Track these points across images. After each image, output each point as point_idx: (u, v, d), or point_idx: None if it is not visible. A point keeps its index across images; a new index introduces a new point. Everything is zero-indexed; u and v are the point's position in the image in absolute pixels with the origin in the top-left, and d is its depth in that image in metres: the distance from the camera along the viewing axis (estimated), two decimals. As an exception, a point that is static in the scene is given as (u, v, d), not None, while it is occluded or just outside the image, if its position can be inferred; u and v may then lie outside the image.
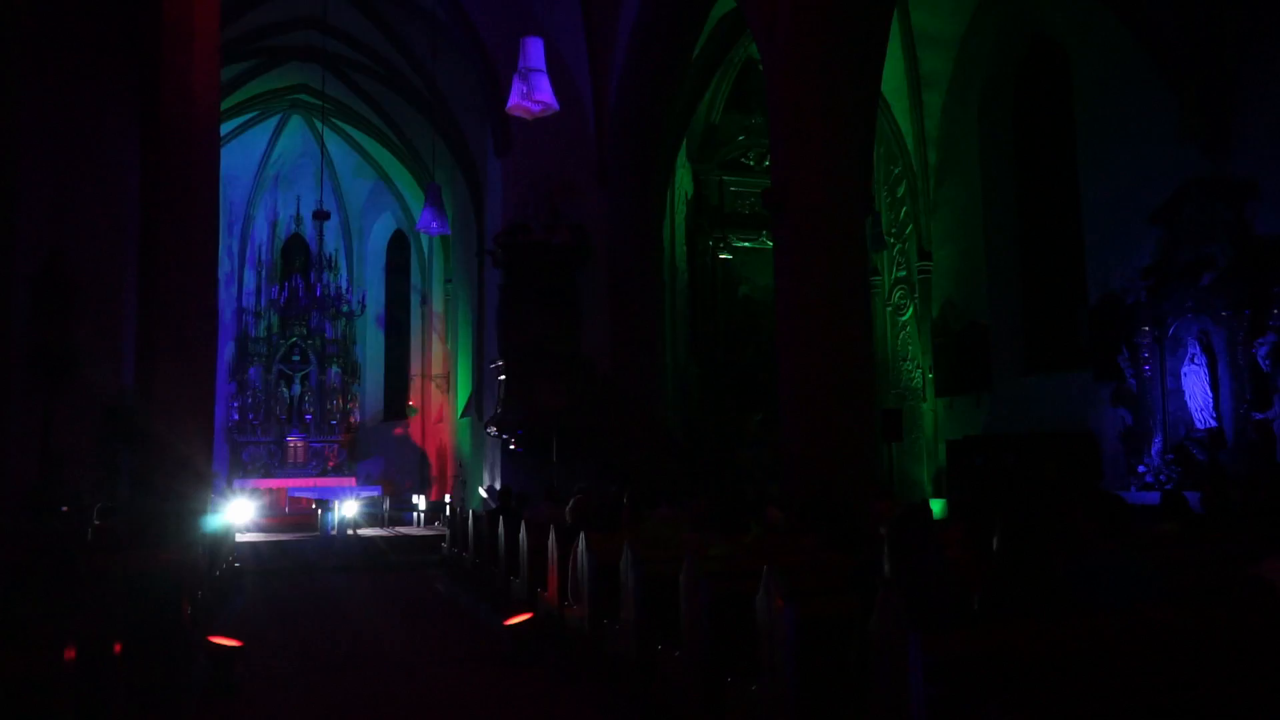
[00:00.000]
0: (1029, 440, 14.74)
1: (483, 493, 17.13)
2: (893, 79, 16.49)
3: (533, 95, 9.75)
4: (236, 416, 22.70)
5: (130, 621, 5.71)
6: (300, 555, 15.35)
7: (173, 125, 10.31)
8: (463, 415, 21.53)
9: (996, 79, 16.40)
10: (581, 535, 7.13)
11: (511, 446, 15.63)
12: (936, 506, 13.65)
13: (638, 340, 16.64)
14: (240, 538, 15.32)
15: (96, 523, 7.59)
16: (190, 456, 10.01)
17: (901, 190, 18.11)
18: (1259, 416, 11.04)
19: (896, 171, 18.13)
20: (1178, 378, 12.22)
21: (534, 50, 10.01)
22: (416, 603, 11.47)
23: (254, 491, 21.70)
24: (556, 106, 10.07)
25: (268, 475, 22.20)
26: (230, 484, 21.15)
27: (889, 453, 15.82)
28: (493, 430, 15.80)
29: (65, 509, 11.47)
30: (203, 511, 10.19)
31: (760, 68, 12.44)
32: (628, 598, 6.04)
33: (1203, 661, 3.35)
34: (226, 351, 22.55)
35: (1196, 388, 11.93)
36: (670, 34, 15.68)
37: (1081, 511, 3.99)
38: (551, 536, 7.96)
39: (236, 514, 19.68)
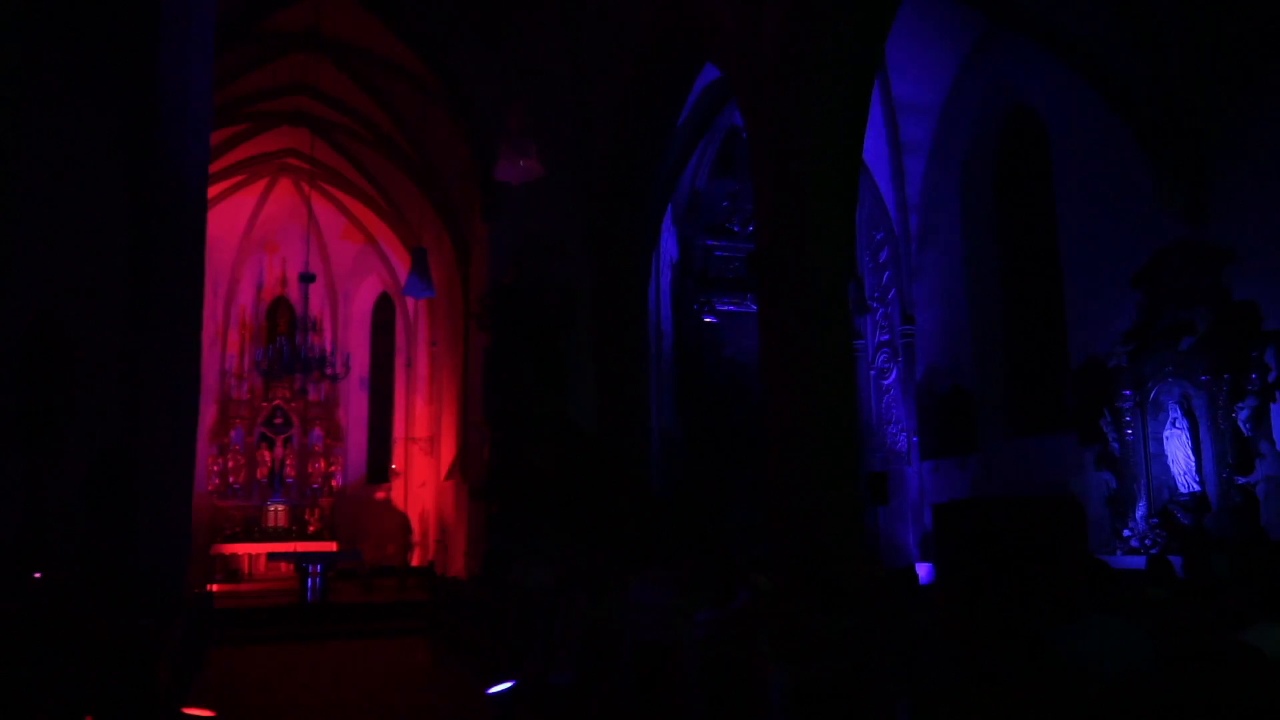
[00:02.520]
0: (1014, 504, 14.68)
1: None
2: (874, 146, 16.76)
3: (519, 160, 9.90)
4: (217, 479, 22.47)
5: (103, 690, 5.59)
6: (279, 621, 15.11)
7: (163, 189, 10.39)
8: (446, 478, 21.40)
9: (976, 145, 16.69)
10: (567, 600, 7.06)
11: (495, 510, 15.50)
12: (923, 571, 13.56)
13: (624, 403, 16.64)
14: (219, 603, 15.09)
15: (71, 588, 7.47)
16: (170, 520, 9.89)
17: (884, 255, 18.32)
18: (1241, 480, 11.06)
19: (879, 237, 18.36)
20: (1160, 442, 12.26)
21: (520, 115, 10.18)
22: (398, 670, 11.29)
23: (233, 556, 21.46)
24: (542, 171, 10.21)
25: (248, 539, 21.93)
26: (209, 548, 20.89)
27: (875, 516, 15.76)
28: (477, 493, 15.68)
29: (38, 575, 11.26)
30: (181, 576, 10.04)
31: (744, 134, 12.63)
32: (615, 663, 5.96)
33: (1194, 728, 3.32)
34: (208, 413, 22.40)
35: (1179, 451, 11.97)
36: (656, 100, 15.93)
37: (1067, 576, 3.98)
38: (536, 602, 7.88)
39: (215, 579, 19.41)
